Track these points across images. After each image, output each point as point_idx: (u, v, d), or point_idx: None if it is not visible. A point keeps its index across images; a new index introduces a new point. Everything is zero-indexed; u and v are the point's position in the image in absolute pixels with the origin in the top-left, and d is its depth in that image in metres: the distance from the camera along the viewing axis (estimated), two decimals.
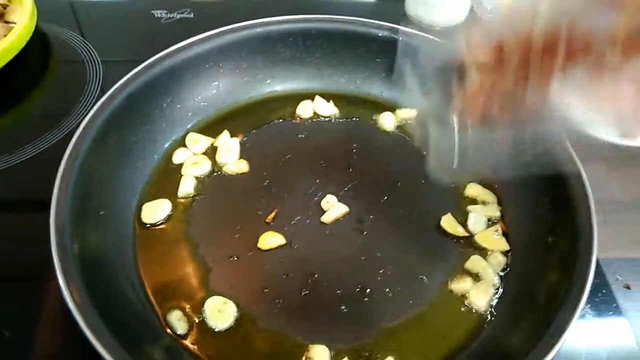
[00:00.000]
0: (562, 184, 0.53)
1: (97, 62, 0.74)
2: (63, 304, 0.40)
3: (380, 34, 0.67)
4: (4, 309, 0.49)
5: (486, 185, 0.60)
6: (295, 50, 0.68)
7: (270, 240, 0.53)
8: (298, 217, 0.56)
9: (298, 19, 0.67)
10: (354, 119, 0.67)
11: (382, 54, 0.68)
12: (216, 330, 0.47)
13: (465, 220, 0.57)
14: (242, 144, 0.63)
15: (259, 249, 0.53)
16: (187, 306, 0.49)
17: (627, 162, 0.65)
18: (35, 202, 0.58)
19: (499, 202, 0.58)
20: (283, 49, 0.68)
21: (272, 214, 0.56)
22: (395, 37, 0.66)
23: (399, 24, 0.79)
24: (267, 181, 0.59)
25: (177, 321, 0.47)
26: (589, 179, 0.58)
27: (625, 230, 0.60)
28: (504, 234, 0.56)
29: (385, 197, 0.59)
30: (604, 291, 0.54)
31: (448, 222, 0.57)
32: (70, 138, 0.52)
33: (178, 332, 0.47)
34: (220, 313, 0.48)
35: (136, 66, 0.60)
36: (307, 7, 0.85)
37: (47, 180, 0.48)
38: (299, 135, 0.64)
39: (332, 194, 0.58)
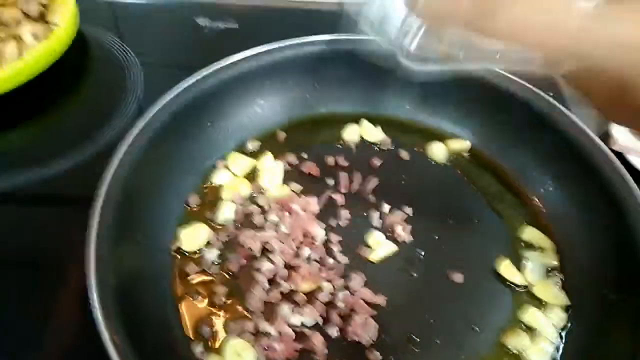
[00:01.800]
0: (628, 232, 0.49)
1: (138, 67, 0.72)
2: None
3: None
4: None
5: (544, 230, 0.56)
6: (344, 71, 0.65)
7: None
8: (342, 253, 0.53)
9: (347, 40, 0.64)
10: (403, 147, 0.63)
11: (433, 80, 0.64)
12: None
13: (521, 267, 0.53)
14: (284, 167, 0.60)
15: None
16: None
17: None
18: (71, 213, 0.55)
19: (558, 251, 0.55)
20: (331, 69, 0.64)
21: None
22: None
23: None
24: (318, 209, 0.56)
25: None
26: None
27: None
28: (564, 288, 0.52)
29: (436, 236, 0.55)
30: None
31: (506, 269, 0.53)
32: (109, 150, 0.49)
33: None
34: (239, 358, 0.45)
35: (178, 75, 0.57)
36: (350, 26, 0.83)
37: (84, 194, 0.46)
38: (344, 162, 0.61)
39: (379, 229, 0.55)
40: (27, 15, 0.70)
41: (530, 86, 0.60)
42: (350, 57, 0.64)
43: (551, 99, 0.59)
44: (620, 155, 0.62)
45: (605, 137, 0.64)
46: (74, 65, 0.72)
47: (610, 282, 0.50)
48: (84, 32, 0.76)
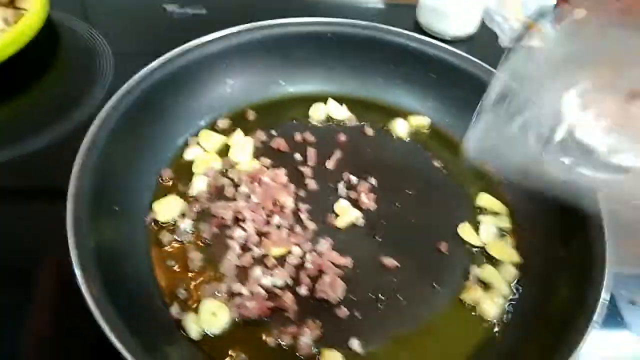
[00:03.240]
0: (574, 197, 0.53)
1: (108, 53, 0.73)
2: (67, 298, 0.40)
3: (395, 41, 0.67)
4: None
5: (497, 196, 0.60)
6: (310, 52, 0.68)
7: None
8: (310, 219, 0.56)
9: (314, 22, 0.67)
10: (367, 123, 0.67)
11: (396, 60, 0.68)
12: (210, 335, 0.47)
13: (477, 230, 0.57)
14: (255, 143, 0.62)
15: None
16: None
17: None
18: (45, 193, 0.57)
19: (511, 214, 0.59)
20: (298, 51, 0.67)
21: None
22: (410, 44, 0.67)
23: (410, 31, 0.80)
24: (287, 180, 0.59)
25: (192, 324, 0.46)
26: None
27: (631, 244, 0.60)
28: (516, 247, 0.56)
29: (398, 204, 0.59)
30: (609, 306, 0.54)
31: (464, 231, 0.57)
32: (81, 131, 0.51)
33: (191, 336, 0.46)
34: (214, 317, 0.47)
35: (147, 59, 0.59)
36: (320, 10, 0.86)
37: (57, 172, 0.47)
38: (311, 138, 0.64)
39: (345, 198, 0.58)
40: None
41: (484, 64, 0.64)
42: (316, 39, 0.68)
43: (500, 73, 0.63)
44: None
45: None
46: (44, 50, 0.73)
47: (557, 241, 0.54)
48: (54, 18, 0.77)
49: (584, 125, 0.40)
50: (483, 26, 0.84)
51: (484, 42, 0.83)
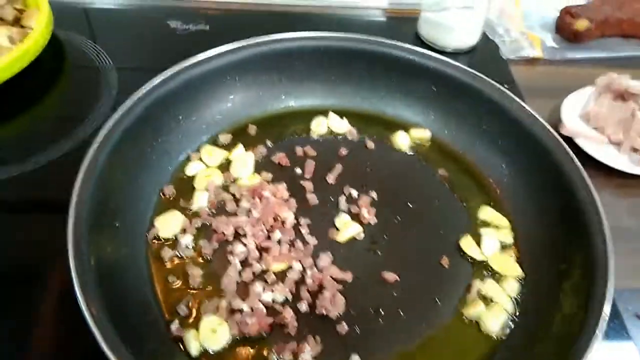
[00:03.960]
0: (577, 211, 0.53)
1: (112, 69, 0.74)
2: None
3: (396, 54, 0.67)
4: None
5: (500, 209, 0.60)
6: (311, 66, 0.68)
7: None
8: (311, 234, 0.56)
9: (315, 36, 0.68)
10: (368, 137, 0.67)
11: (397, 74, 0.68)
12: (210, 351, 0.47)
13: (479, 243, 0.57)
14: (256, 158, 0.63)
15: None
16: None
17: (635, 191, 0.66)
18: (49, 209, 0.57)
19: (513, 228, 0.59)
20: (299, 65, 0.68)
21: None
22: (411, 57, 0.67)
23: (411, 44, 0.80)
24: (288, 195, 0.59)
25: (192, 341, 0.46)
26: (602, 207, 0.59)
27: (634, 259, 0.60)
28: (518, 261, 0.56)
29: (399, 218, 0.59)
30: (615, 321, 0.54)
31: (466, 244, 0.57)
32: (85, 147, 0.52)
33: (191, 353, 0.46)
34: (214, 334, 0.47)
35: (151, 76, 0.60)
36: (322, 23, 0.87)
37: (62, 188, 0.48)
38: (312, 151, 0.64)
39: (346, 212, 0.58)
40: (2, 20, 0.72)
41: (484, 77, 0.64)
42: (317, 53, 0.68)
43: (503, 88, 0.63)
44: (569, 140, 0.67)
45: (556, 122, 0.69)
46: (49, 68, 0.74)
47: (559, 255, 0.54)
48: (59, 36, 0.78)
49: None
50: (484, 38, 0.85)
51: (486, 54, 0.83)
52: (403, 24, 0.88)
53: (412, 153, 0.66)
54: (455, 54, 0.82)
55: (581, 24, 0.83)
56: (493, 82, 0.63)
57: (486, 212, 0.60)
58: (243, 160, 0.62)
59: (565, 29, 0.85)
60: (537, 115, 0.60)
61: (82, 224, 0.46)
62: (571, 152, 0.57)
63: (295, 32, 0.67)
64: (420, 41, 0.84)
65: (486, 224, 0.59)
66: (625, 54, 0.86)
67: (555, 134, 0.59)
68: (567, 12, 0.85)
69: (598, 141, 0.67)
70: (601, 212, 0.51)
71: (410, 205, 0.60)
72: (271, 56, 0.67)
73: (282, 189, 0.58)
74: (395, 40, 0.78)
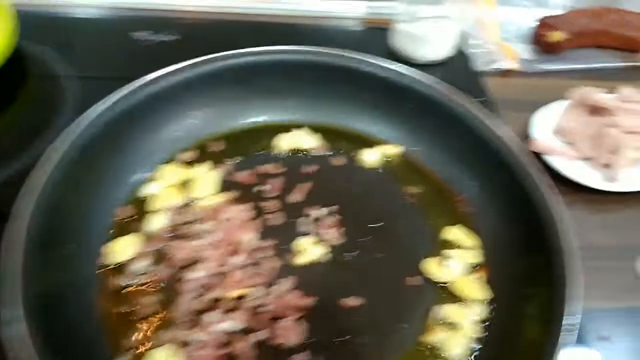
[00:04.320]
0: (545, 232, 0.52)
1: (76, 80, 0.72)
2: None
3: (365, 69, 0.66)
4: None
5: (468, 229, 0.59)
6: (278, 81, 0.66)
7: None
8: (273, 257, 0.54)
9: (282, 50, 0.66)
10: (336, 153, 0.65)
11: (367, 88, 0.67)
12: None
13: (445, 265, 0.56)
14: (219, 177, 0.61)
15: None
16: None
17: (606, 207, 0.65)
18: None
19: (480, 248, 0.57)
20: (265, 80, 0.66)
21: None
22: (382, 73, 0.65)
23: (384, 55, 0.79)
24: (251, 216, 0.57)
25: None
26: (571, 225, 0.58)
27: (604, 278, 0.59)
28: (484, 283, 0.54)
29: (366, 238, 0.57)
30: (582, 342, 0.53)
31: (431, 267, 0.55)
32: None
33: None
34: None
35: (115, 88, 0.58)
36: (293, 36, 0.85)
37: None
38: (278, 169, 0.62)
39: (310, 233, 0.57)
40: None
41: (455, 92, 0.63)
42: (284, 68, 0.66)
43: (473, 105, 0.61)
44: (541, 157, 0.66)
45: (526, 139, 0.68)
46: (12, 79, 0.72)
47: (527, 277, 0.52)
48: (22, 46, 0.76)
49: None
50: (459, 49, 0.83)
51: (460, 66, 0.82)
52: (379, 35, 0.86)
53: (381, 170, 0.65)
54: (429, 66, 0.80)
55: (556, 35, 0.82)
56: (464, 97, 0.62)
57: (455, 232, 0.59)
58: (205, 179, 0.60)
59: (541, 40, 0.84)
60: (507, 132, 0.59)
61: (25, 250, 0.44)
62: (540, 171, 0.55)
63: (261, 47, 0.65)
64: (394, 53, 0.82)
65: (454, 245, 0.58)
66: (602, 64, 0.85)
67: (525, 151, 0.57)
68: (543, 24, 0.84)
69: (569, 157, 0.65)
70: (570, 234, 0.50)
71: (378, 225, 0.59)
72: (236, 71, 0.65)
73: (243, 209, 0.56)
74: (370, 52, 0.77)
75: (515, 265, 0.54)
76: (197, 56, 0.63)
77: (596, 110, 0.69)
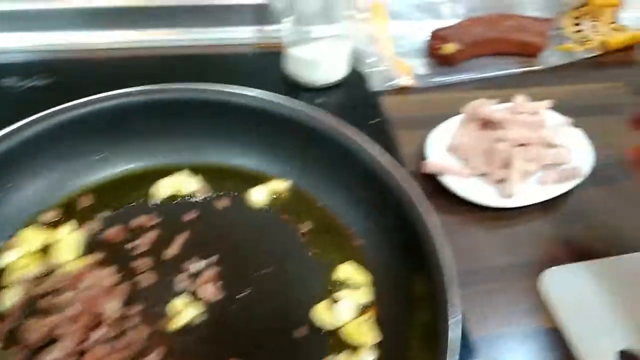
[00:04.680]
0: (431, 266, 0.49)
1: None
2: None
3: (239, 102, 0.61)
4: None
5: (361, 265, 0.55)
6: (152, 122, 0.61)
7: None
8: (141, 325, 0.49)
9: (157, 89, 0.61)
10: (220, 195, 0.61)
11: (252, 122, 0.62)
12: None
13: (335, 308, 0.52)
14: (86, 236, 0.55)
15: None
16: None
17: (505, 224, 0.63)
18: None
19: (371, 285, 0.54)
20: (136, 123, 0.61)
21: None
22: (264, 105, 0.61)
23: (279, 81, 0.76)
24: (115, 281, 0.51)
25: None
26: (464, 245, 0.56)
27: (506, 300, 0.57)
28: (375, 324, 0.51)
29: (250, 289, 0.53)
30: None
31: (322, 311, 0.51)
32: None
33: None
34: None
35: None
36: (180, 69, 0.80)
37: None
38: (152, 221, 0.57)
39: (185, 292, 0.52)
40: None
41: (339, 121, 0.59)
42: (156, 108, 0.62)
43: (354, 132, 0.58)
44: (437, 177, 0.64)
45: (423, 159, 0.66)
46: None
47: (416, 313, 0.49)
48: None
49: None
50: (354, 69, 0.81)
51: (355, 87, 0.79)
52: (271, 59, 0.82)
53: (269, 209, 0.61)
54: (323, 90, 0.77)
55: (450, 48, 0.81)
56: (346, 125, 0.59)
57: (346, 270, 0.55)
58: (68, 241, 0.54)
59: (435, 53, 0.82)
60: (388, 160, 0.56)
61: None
62: (422, 197, 0.52)
63: (128, 88, 0.60)
64: (287, 78, 0.79)
65: (345, 285, 0.54)
66: (498, 72, 0.84)
67: (407, 178, 0.54)
68: (436, 36, 0.82)
69: (463, 176, 0.63)
70: (449, 263, 0.47)
71: (263, 272, 0.55)
72: (106, 115, 0.59)
73: (107, 273, 0.51)
74: (264, 78, 0.76)
75: (403, 300, 0.51)
76: (72, 98, 0.58)
77: (487, 123, 0.67)
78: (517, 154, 0.62)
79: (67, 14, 0.80)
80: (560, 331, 0.53)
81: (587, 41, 0.92)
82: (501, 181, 0.63)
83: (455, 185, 0.63)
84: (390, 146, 0.70)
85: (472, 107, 0.69)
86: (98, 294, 0.49)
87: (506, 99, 0.73)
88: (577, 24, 0.96)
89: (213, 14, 0.84)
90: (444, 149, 0.67)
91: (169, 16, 0.83)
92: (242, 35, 0.85)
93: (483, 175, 0.64)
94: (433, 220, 0.50)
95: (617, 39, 0.92)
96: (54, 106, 0.57)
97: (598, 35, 0.94)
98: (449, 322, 0.43)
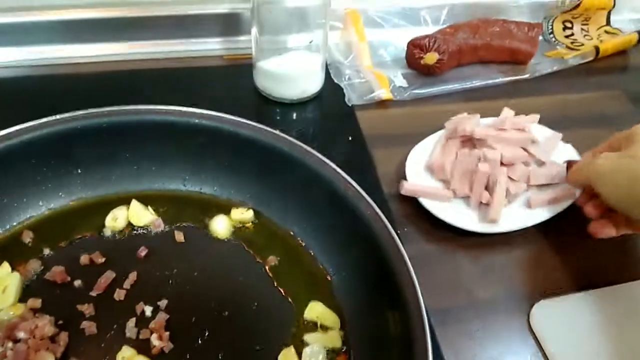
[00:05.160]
0: (399, 305, 0.44)
1: None
2: None
3: (206, 124, 0.56)
4: None
5: (330, 304, 0.50)
6: (100, 148, 0.56)
7: None
8: None
9: (104, 112, 0.56)
10: (178, 227, 0.56)
11: (211, 145, 0.57)
12: None
13: (302, 354, 0.47)
14: (25, 279, 0.50)
15: None
16: None
17: (490, 251, 0.58)
18: None
19: (342, 326, 0.49)
20: (85, 149, 0.56)
21: None
22: (225, 127, 0.56)
23: (251, 95, 0.71)
24: (53, 331, 0.46)
25: None
26: (445, 276, 0.54)
27: (495, 336, 0.51)
28: None
29: (207, 335, 0.48)
30: None
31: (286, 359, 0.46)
32: None
33: None
34: None
35: None
36: (146, 84, 0.74)
37: None
38: (101, 258, 0.52)
39: (132, 341, 0.46)
40: None
41: (305, 146, 0.54)
42: (114, 131, 0.56)
43: (327, 160, 0.53)
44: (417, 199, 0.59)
45: (399, 180, 0.61)
46: None
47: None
48: None
49: None
50: (330, 82, 0.75)
51: (331, 101, 0.74)
52: (242, 71, 0.77)
53: (232, 239, 0.55)
54: (295, 104, 0.72)
55: (431, 57, 0.76)
56: (306, 149, 0.54)
57: (315, 310, 0.50)
58: (4, 284, 0.49)
59: (415, 63, 0.77)
60: (356, 187, 0.51)
61: None
62: (394, 235, 0.47)
63: (76, 111, 0.55)
64: (259, 92, 0.73)
65: (313, 327, 0.49)
66: (485, 82, 0.79)
67: (381, 215, 0.49)
68: (416, 44, 0.77)
69: (443, 198, 0.58)
70: (419, 304, 0.42)
71: (224, 314, 0.49)
72: (47, 142, 0.54)
73: (44, 324, 0.45)
74: (235, 93, 0.72)
75: (374, 342, 0.46)
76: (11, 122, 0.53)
77: (469, 140, 0.62)
78: (502, 174, 0.57)
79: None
80: None
81: (578, 46, 0.87)
82: (485, 204, 0.58)
83: (435, 208, 0.57)
84: (367, 165, 0.65)
85: (453, 123, 0.63)
86: (33, 347, 0.44)
87: (492, 111, 0.68)
88: (567, 28, 0.91)
89: (180, 25, 0.79)
90: (424, 169, 0.62)
91: (135, 28, 0.78)
92: (210, 47, 0.80)
93: (466, 197, 0.59)
94: (402, 254, 0.45)
95: (610, 43, 0.87)
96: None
97: (590, 39, 0.89)
98: None
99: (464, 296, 0.54)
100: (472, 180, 0.58)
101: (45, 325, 0.45)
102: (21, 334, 0.44)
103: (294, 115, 0.72)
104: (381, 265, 0.47)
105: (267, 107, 0.72)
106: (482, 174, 0.57)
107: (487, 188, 0.58)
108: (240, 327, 0.49)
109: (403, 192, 0.58)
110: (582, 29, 0.90)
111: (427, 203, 0.58)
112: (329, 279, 0.52)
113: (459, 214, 0.57)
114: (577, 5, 0.88)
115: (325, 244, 0.53)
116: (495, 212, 0.56)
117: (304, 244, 0.54)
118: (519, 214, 0.58)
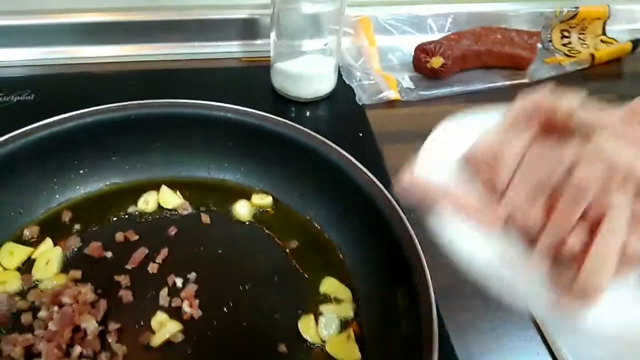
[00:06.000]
0: (412, 284, 0.48)
1: None
2: None
3: (220, 115, 0.61)
4: None
5: (343, 280, 0.55)
6: (134, 138, 0.61)
7: None
8: (119, 343, 0.48)
9: (133, 105, 0.61)
10: (204, 210, 0.61)
11: (235, 138, 0.62)
12: None
13: (318, 322, 0.51)
14: (66, 253, 0.55)
15: None
16: None
17: None
18: None
19: (354, 301, 0.53)
20: (120, 138, 0.61)
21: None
22: (248, 120, 0.61)
23: (268, 95, 0.75)
24: (94, 297, 0.51)
25: None
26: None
27: (482, 317, 0.55)
28: (357, 338, 0.50)
29: (231, 304, 0.52)
30: None
31: (305, 326, 0.51)
32: None
33: None
34: None
35: None
36: (170, 83, 0.80)
37: None
38: (135, 236, 0.57)
39: (166, 308, 0.51)
40: None
41: (321, 137, 0.59)
42: (144, 124, 0.61)
43: (340, 150, 0.58)
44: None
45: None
46: None
47: (397, 334, 0.48)
48: None
49: None
50: (342, 82, 0.81)
51: (343, 101, 0.79)
52: (258, 73, 0.82)
53: (253, 222, 0.60)
54: (309, 103, 0.77)
55: (436, 61, 0.81)
56: (329, 142, 0.58)
57: (329, 285, 0.55)
58: (48, 257, 0.53)
59: (421, 67, 0.83)
60: (377, 182, 0.55)
61: None
62: (408, 225, 0.51)
63: (109, 104, 0.60)
64: (276, 92, 0.79)
65: (328, 299, 0.53)
66: (487, 85, 0.84)
67: (394, 202, 0.53)
68: (422, 49, 0.82)
69: (480, 217, 0.33)
70: (429, 283, 0.46)
71: (246, 287, 0.54)
72: (84, 131, 0.59)
73: (86, 291, 0.50)
74: (252, 93, 0.75)
75: (385, 315, 0.50)
76: (53, 114, 0.58)
77: (556, 132, 0.66)
78: (623, 200, 0.29)
79: (51, 29, 0.80)
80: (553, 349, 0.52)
81: (575, 53, 0.93)
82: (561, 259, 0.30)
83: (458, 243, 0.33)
84: (376, 160, 0.69)
85: (535, 98, 0.37)
86: (75, 311, 0.49)
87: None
88: (565, 37, 0.96)
89: (201, 29, 0.85)
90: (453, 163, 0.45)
91: (155, 31, 0.84)
92: (230, 49, 0.85)
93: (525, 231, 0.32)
94: (411, 236, 0.50)
95: (605, 51, 0.92)
96: (37, 122, 0.57)
97: (586, 47, 0.94)
98: (433, 337, 0.42)
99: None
100: (551, 201, 0.31)
101: (87, 291, 0.50)
102: (65, 299, 0.49)
103: (308, 113, 0.77)
104: (391, 245, 0.51)
105: (283, 105, 0.77)
106: (577, 192, 0.30)
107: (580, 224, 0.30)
108: (261, 298, 0.53)
109: (398, 189, 0.38)
110: (579, 38, 0.96)
111: (439, 225, 0.34)
112: (342, 257, 0.57)
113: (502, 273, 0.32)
114: (575, 16, 0.94)
115: (339, 226, 0.58)
116: (589, 280, 0.28)
117: (319, 227, 0.59)
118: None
